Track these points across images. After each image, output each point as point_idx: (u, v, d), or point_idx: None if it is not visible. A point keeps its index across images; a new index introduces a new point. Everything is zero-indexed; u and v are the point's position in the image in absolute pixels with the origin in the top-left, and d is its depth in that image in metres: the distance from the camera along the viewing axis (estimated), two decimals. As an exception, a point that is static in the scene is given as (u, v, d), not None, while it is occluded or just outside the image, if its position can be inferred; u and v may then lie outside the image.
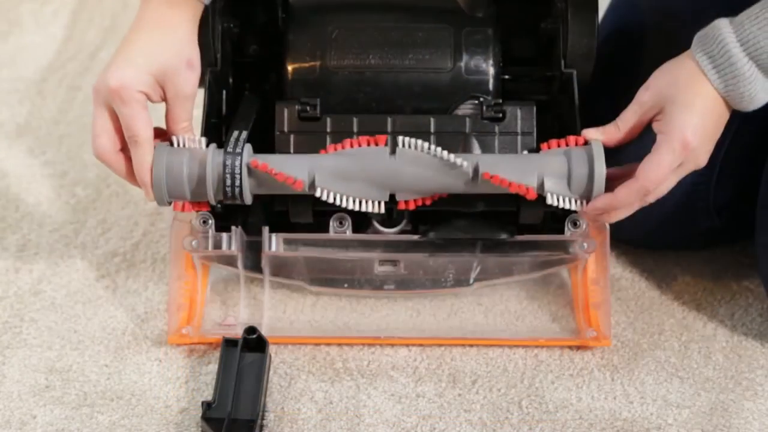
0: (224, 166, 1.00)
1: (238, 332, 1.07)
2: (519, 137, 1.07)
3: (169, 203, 1.02)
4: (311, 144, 1.07)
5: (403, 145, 1.00)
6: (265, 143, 1.07)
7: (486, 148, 1.07)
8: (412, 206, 1.04)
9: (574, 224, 1.08)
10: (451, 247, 1.08)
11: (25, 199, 1.31)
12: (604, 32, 1.24)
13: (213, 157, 1.00)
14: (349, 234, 1.07)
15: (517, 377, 1.07)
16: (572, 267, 1.12)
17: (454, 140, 1.07)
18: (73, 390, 1.06)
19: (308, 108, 1.08)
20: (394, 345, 1.11)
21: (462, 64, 1.11)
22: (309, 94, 1.09)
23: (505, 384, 1.07)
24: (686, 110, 0.97)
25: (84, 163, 1.37)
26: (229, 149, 1.01)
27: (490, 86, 1.11)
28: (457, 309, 1.15)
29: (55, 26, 1.65)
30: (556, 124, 1.13)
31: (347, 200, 1.01)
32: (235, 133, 1.03)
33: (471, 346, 1.10)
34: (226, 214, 1.09)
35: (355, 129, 1.07)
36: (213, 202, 1.02)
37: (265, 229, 1.08)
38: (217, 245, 1.08)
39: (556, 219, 1.08)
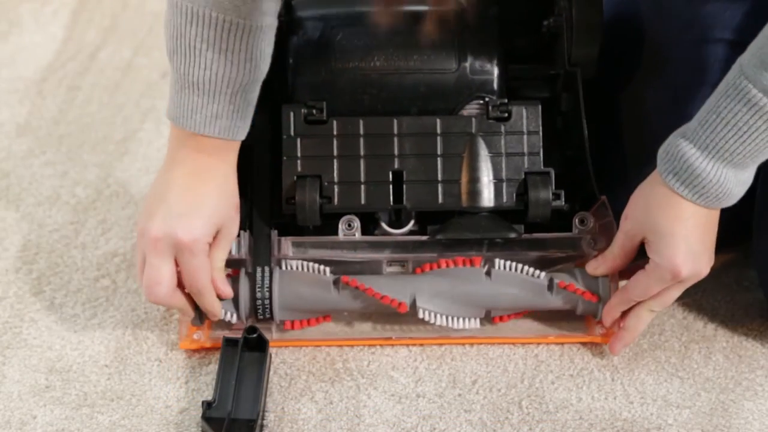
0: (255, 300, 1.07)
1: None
2: (525, 136, 1.08)
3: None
4: (319, 147, 1.07)
5: (499, 267, 1.06)
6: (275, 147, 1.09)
7: (492, 148, 1.08)
8: (506, 320, 1.11)
9: (582, 222, 1.08)
10: (459, 247, 1.08)
11: (25, 199, 1.31)
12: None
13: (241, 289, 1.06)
14: (358, 236, 1.07)
15: (517, 377, 1.07)
16: (580, 264, 1.11)
17: (460, 141, 1.08)
18: (73, 390, 1.06)
19: (314, 111, 1.08)
20: (394, 345, 1.11)
21: (467, 65, 1.11)
22: (314, 96, 1.09)
23: (505, 384, 1.07)
24: (670, 240, 0.99)
25: (84, 163, 1.37)
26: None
27: (495, 86, 1.11)
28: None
29: (55, 26, 1.65)
30: (560, 122, 1.13)
31: (446, 320, 1.07)
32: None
33: (471, 345, 1.10)
34: None
35: (361, 131, 1.08)
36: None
37: (274, 233, 1.08)
38: None
39: (563, 217, 1.08)
